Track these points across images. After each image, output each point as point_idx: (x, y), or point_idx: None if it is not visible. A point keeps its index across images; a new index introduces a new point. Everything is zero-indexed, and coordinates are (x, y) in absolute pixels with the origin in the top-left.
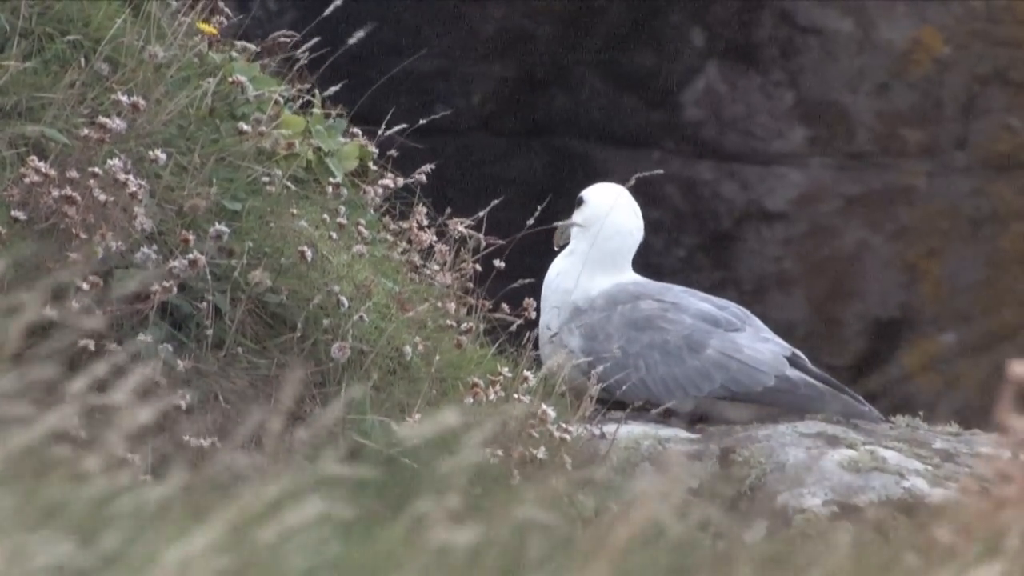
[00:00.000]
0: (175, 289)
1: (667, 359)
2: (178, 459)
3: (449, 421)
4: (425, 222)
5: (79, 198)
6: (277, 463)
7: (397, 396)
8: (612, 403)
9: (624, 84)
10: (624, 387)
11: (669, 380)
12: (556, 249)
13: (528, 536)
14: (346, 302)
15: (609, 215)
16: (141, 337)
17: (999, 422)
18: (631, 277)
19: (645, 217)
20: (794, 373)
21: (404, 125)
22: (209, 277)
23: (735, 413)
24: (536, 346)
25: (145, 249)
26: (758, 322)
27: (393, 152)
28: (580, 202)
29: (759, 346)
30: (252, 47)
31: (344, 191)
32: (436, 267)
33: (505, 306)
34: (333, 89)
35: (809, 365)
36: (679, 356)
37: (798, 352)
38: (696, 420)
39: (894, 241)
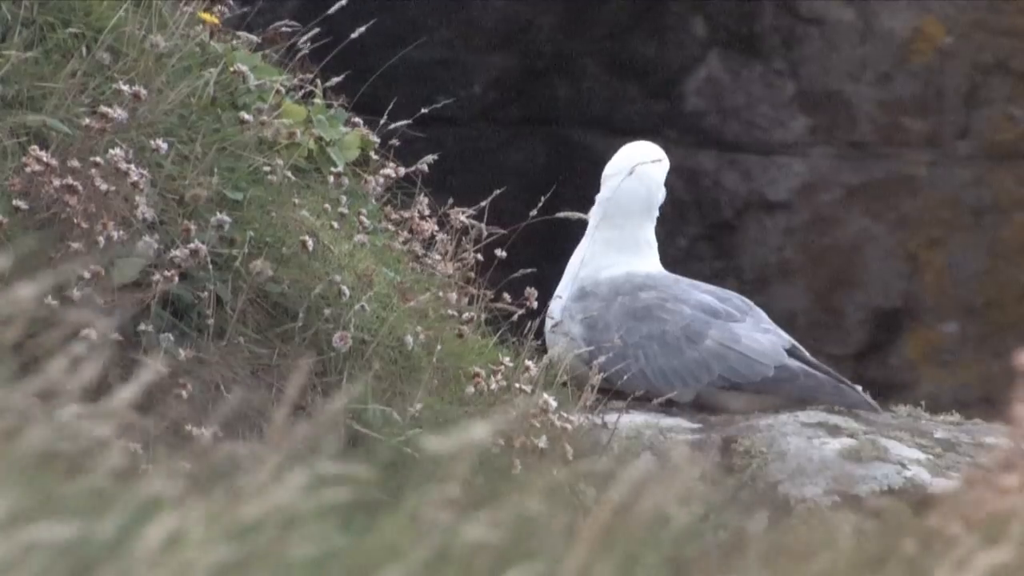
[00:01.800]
0: (176, 278)
1: (666, 350)
2: (179, 448)
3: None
4: (427, 212)
5: (80, 187)
6: (279, 453)
7: (398, 386)
8: (613, 393)
9: (625, 74)
10: (624, 378)
11: (668, 371)
12: None
13: (530, 526)
14: (347, 292)
15: (610, 178)
16: (142, 327)
17: (1010, 413)
18: (647, 267)
19: None
20: (793, 363)
21: (406, 115)
22: (210, 266)
23: (736, 403)
24: (537, 335)
25: (146, 238)
26: (761, 313)
27: (395, 142)
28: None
29: (758, 336)
30: (254, 37)
31: (346, 181)
32: (438, 257)
33: (507, 296)
34: (335, 79)
35: (809, 356)
36: (677, 347)
37: (798, 344)
38: (698, 410)
39: (896, 231)
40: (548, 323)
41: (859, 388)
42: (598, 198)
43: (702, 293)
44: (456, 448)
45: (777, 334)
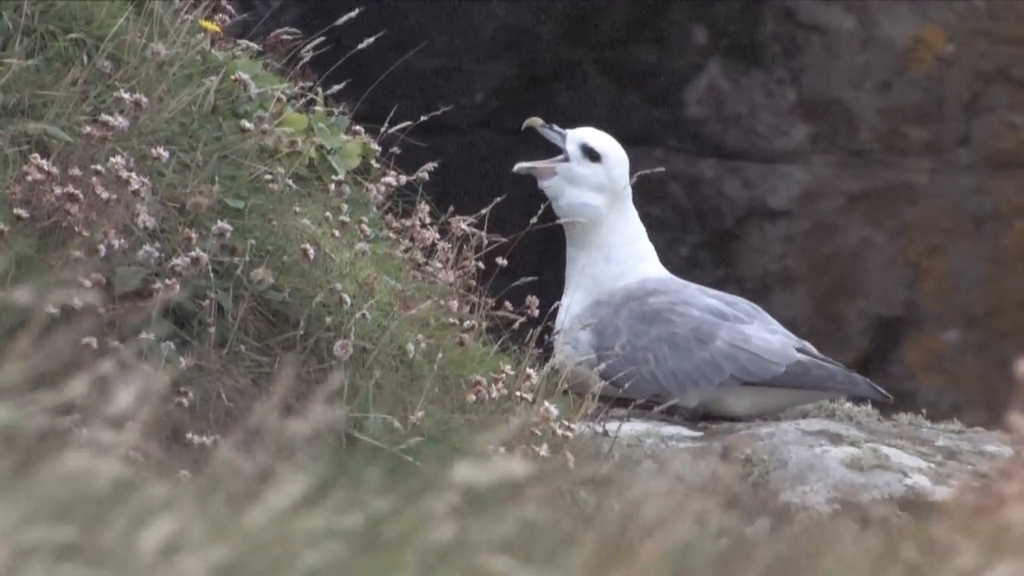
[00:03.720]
0: (177, 287)
1: (676, 352)
2: (180, 457)
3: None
4: (428, 220)
5: (81, 196)
6: (279, 461)
7: (400, 394)
8: (614, 401)
9: (627, 82)
10: (633, 380)
11: (679, 373)
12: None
13: (532, 535)
14: (349, 300)
15: (621, 166)
16: (143, 335)
17: (1007, 421)
18: (658, 271)
19: (648, 215)
20: (804, 357)
21: (407, 123)
22: (212, 275)
23: (741, 404)
24: (539, 343)
25: (147, 247)
26: (768, 317)
27: (396, 150)
28: (591, 154)
29: (767, 336)
30: (255, 45)
31: (347, 189)
32: (439, 265)
33: (508, 304)
34: (336, 87)
35: (817, 353)
36: (688, 349)
37: (807, 344)
38: (700, 417)
39: (896, 239)
40: (555, 332)
41: (870, 382)
42: (625, 193)
43: (709, 298)
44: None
45: (786, 335)
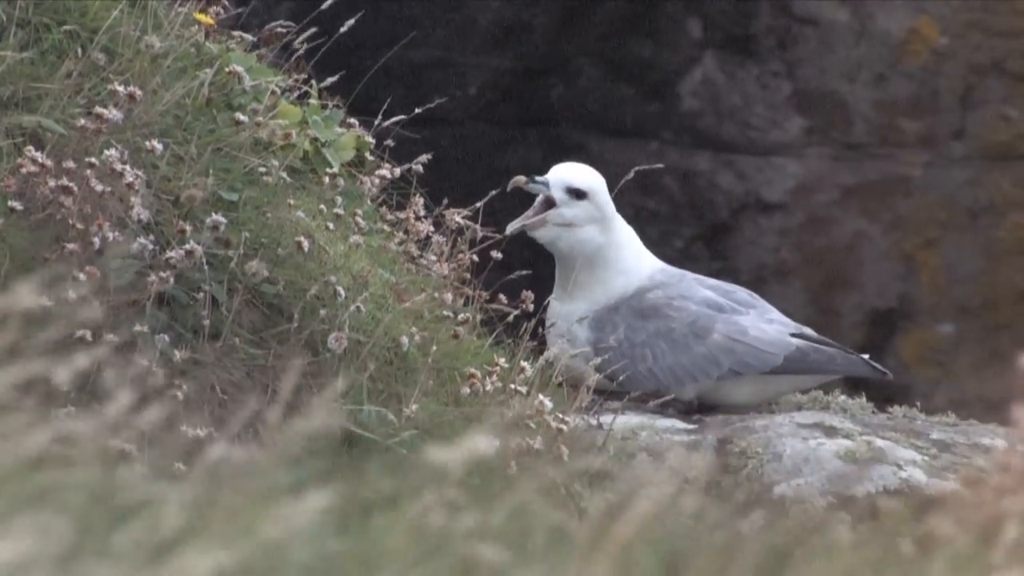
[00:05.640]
0: (172, 279)
1: (673, 347)
2: (175, 450)
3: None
4: (422, 212)
5: (76, 188)
6: (274, 454)
7: (394, 387)
8: (609, 394)
9: (621, 74)
10: (628, 375)
11: (677, 368)
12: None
13: (526, 527)
14: (343, 292)
15: (603, 193)
16: (138, 327)
17: (1012, 414)
18: (656, 263)
19: (643, 207)
20: (802, 343)
21: (401, 115)
22: (206, 267)
23: (739, 394)
24: (533, 336)
25: (142, 239)
26: (766, 305)
27: (390, 142)
28: (577, 193)
29: (764, 327)
30: (249, 37)
31: (341, 181)
32: (433, 257)
33: (502, 297)
34: (330, 80)
35: (815, 335)
36: (685, 343)
37: (805, 328)
38: (696, 410)
39: (891, 231)
40: (549, 326)
41: (870, 361)
42: (612, 212)
43: (706, 289)
44: (452, 449)
45: (783, 322)
